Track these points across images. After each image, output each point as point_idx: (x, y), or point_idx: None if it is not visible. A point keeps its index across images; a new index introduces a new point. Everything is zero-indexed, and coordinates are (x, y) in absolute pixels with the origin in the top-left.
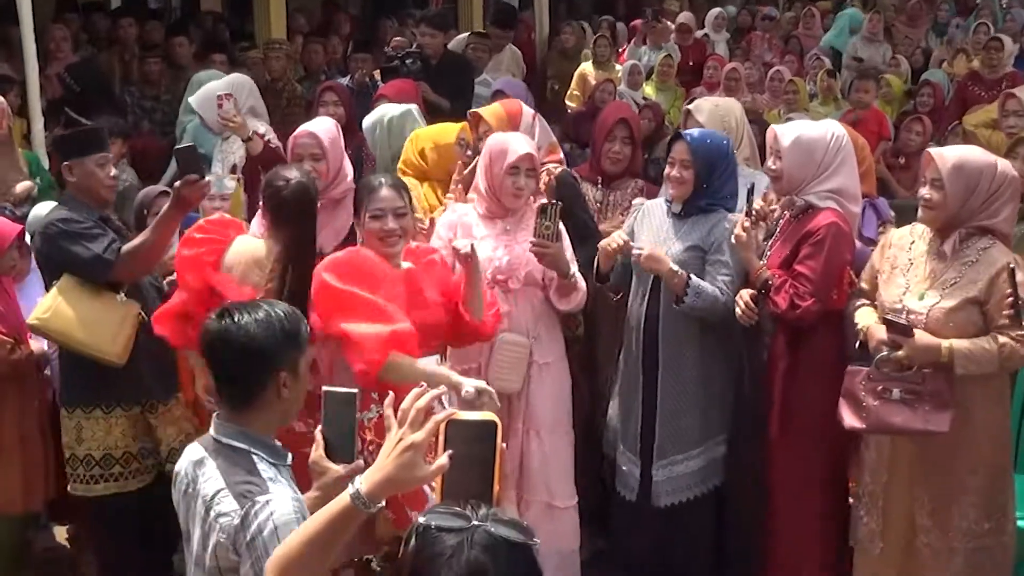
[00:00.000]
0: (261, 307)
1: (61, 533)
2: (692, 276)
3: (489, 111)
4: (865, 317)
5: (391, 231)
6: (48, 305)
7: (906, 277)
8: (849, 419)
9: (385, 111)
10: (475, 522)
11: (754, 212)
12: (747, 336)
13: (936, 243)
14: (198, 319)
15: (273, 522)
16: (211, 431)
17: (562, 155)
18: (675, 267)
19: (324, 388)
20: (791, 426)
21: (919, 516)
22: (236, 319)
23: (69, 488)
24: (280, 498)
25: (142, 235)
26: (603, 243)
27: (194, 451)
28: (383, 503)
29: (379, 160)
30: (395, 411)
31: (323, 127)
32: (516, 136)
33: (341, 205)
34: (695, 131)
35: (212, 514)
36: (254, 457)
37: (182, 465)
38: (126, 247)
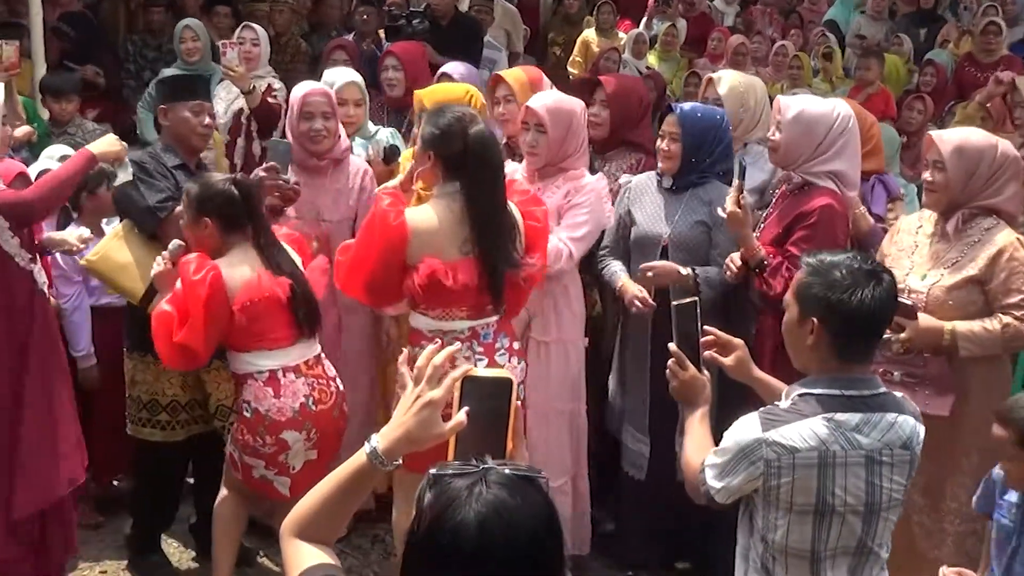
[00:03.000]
0: None
1: None
2: (696, 270)
3: (511, 75)
4: None
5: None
6: (100, 247)
7: (910, 259)
8: None
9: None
10: (484, 466)
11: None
12: (734, 314)
13: (940, 224)
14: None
15: None
16: None
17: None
18: (682, 270)
19: None
20: None
21: (913, 494)
22: None
23: (128, 429)
24: None
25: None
26: (626, 297)
27: None
28: (399, 461)
29: None
30: (410, 367)
31: (334, 86)
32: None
33: (341, 166)
34: (688, 104)
35: None
36: None
37: None
38: (178, 209)
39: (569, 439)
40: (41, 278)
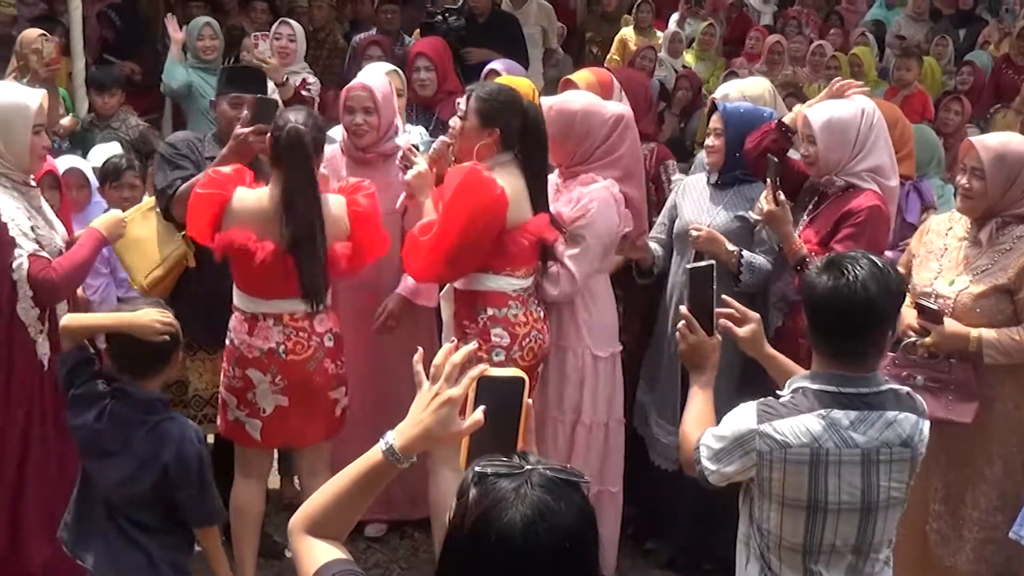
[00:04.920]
0: None
1: None
2: (744, 252)
3: (582, 78)
4: None
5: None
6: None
7: (939, 262)
8: None
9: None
10: (528, 466)
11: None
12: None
13: (973, 230)
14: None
15: None
16: None
17: None
18: (731, 247)
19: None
20: None
21: (932, 502)
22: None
23: None
24: None
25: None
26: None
27: None
28: (415, 458)
29: None
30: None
31: (378, 81)
32: None
33: (390, 161)
34: (732, 102)
35: None
36: None
37: None
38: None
39: (566, 448)
40: (43, 350)
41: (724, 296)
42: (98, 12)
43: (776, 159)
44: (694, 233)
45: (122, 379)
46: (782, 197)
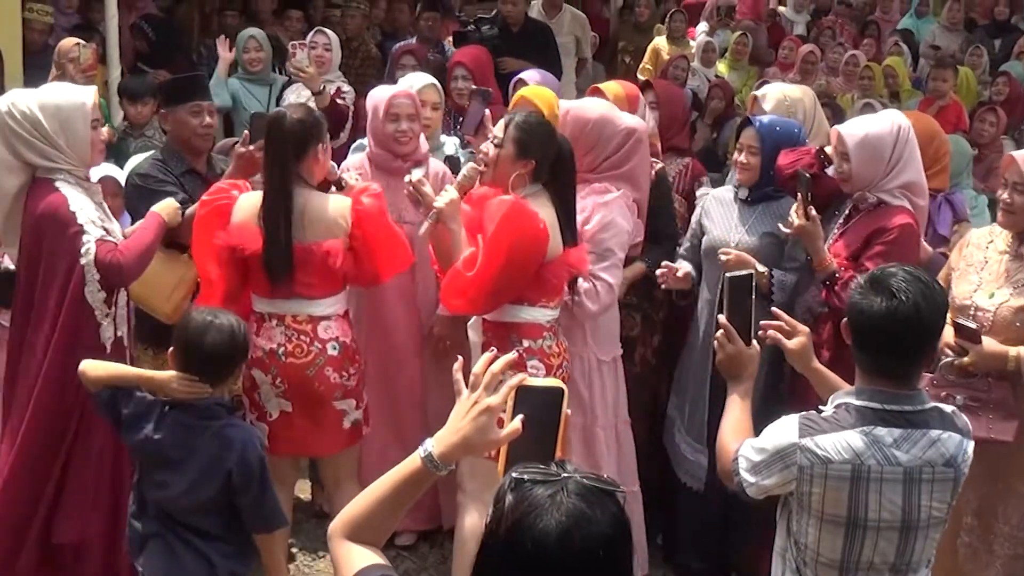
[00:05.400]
0: None
1: None
2: (775, 272)
3: (611, 88)
4: None
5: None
6: None
7: (979, 275)
8: None
9: None
10: (565, 474)
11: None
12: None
13: (1015, 244)
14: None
15: None
16: None
17: (659, 147)
18: (761, 267)
19: None
20: None
21: (965, 515)
22: None
23: None
24: None
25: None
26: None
27: None
28: (453, 466)
29: None
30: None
31: (417, 88)
32: None
33: (421, 168)
34: (765, 117)
35: None
36: None
37: None
38: (188, 211)
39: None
40: (107, 333)
41: (774, 309)
42: (132, 24)
43: (808, 174)
44: (723, 257)
45: None
46: (813, 212)
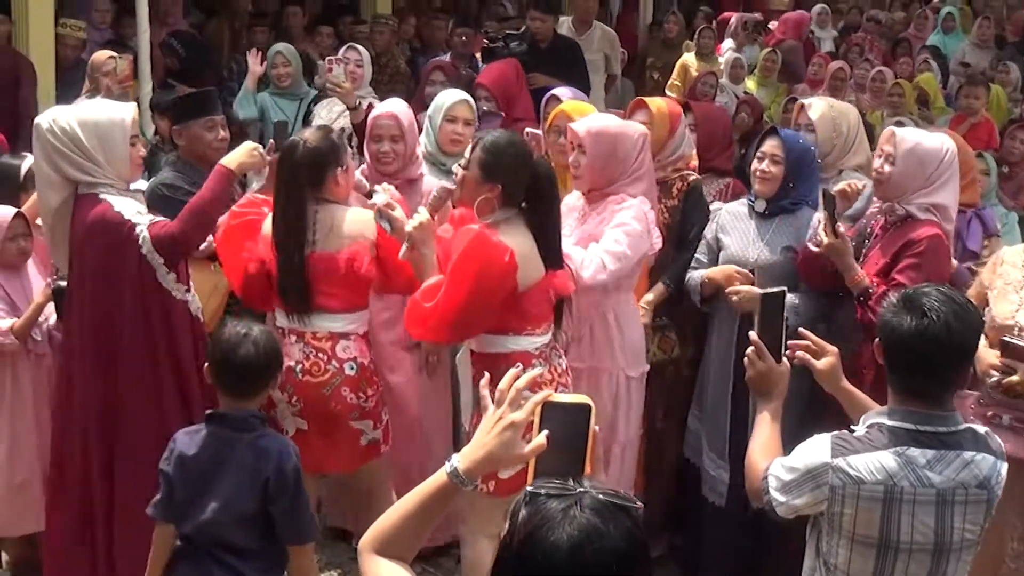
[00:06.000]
0: None
1: None
2: (787, 295)
3: (655, 103)
4: None
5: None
6: None
7: (1019, 294)
8: None
9: None
10: (580, 489)
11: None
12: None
13: None
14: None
15: None
16: None
17: (696, 163)
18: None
19: None
20: None
21: (1011, 540)
22: None
23: None
24: None
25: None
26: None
27: None
28: (479, 480)
29: None
30: (491, 390)
31: (401, 108)
32: None
33: (415, 186)
34: (789, 130)
35: None
36: None
37: None
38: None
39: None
40: (195, 305)
41: (801, 328)
42: (161, 41)
43: (832, 192)
44: (734, 299)
45: (221, 400)
46: (841, 229)
